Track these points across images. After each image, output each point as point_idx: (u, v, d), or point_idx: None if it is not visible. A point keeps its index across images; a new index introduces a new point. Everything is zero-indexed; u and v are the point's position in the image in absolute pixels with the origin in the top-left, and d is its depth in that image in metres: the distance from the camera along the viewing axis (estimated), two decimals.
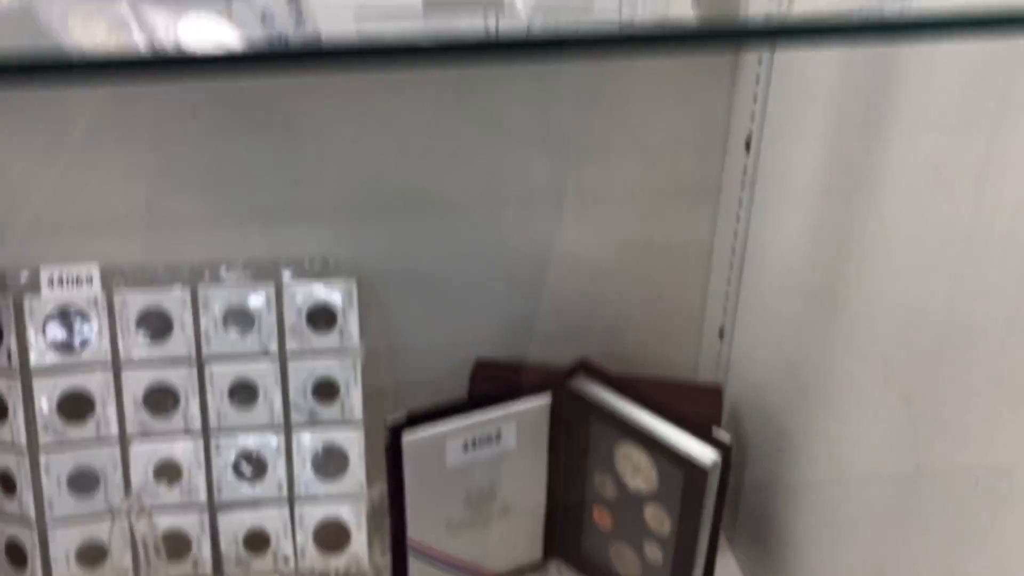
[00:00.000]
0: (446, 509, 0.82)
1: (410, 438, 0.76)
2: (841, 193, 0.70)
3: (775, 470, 0.84)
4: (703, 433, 0.75)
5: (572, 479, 0.85)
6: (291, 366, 0.83)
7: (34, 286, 0.79)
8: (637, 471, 0.80)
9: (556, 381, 0.81)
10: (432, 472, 0.79)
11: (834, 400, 0.73)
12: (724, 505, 0.77)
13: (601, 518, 0.85)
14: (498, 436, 0.80)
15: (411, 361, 0.92)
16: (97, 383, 0.80)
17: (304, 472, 0.84)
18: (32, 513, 0.81)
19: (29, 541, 0.82)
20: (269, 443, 0.84)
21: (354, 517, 0.85)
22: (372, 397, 0.85)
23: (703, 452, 0.74)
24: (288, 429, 0.84)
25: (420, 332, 0.91)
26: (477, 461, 0.80)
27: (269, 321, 0.82)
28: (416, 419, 0.77)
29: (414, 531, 0.81)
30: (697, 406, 0.87)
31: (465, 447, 0.79)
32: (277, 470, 0.84)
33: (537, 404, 0.81)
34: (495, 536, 0.86)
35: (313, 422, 0.84)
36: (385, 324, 0.90)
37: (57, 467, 0.81)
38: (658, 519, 0.80)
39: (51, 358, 0.79)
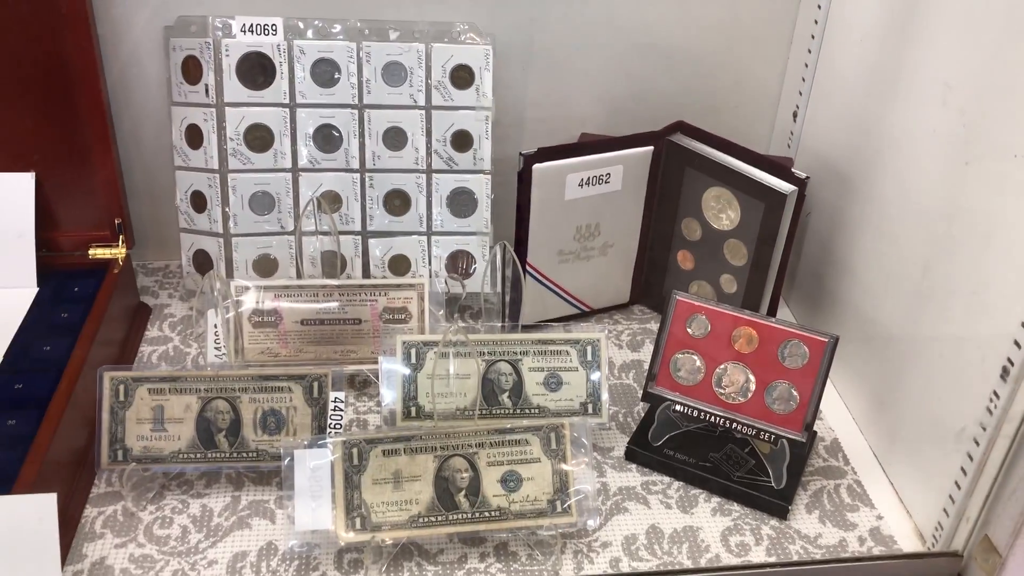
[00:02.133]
0: (559, 239, 0.99)
1: (539, 167, 0.93)
2: None
3: (828, 241, 0.99)
4: (782, 173, 0.91)
5: (662, 225, 1.02)
6: (434, 116, 0.99)
7: (228, 32, 0.94)
8: (723, 210, 0.96)
9: (657, 137, 0.97)
10: (552, 202, 0.95)
11: (889, 179, 0.87)
12: (795, 236, 0.93)
13: (684, 259, 1.02)
14: (608, 178, 0.96)
15: (523, 128, 1.07)
16: (276, 119, 0.97)
17: (441, 209, 1.01)
18: (219, 227, 0.99)
19: (216, 251, 1.00)
20: (413, 182, 1.00)
21: (479, 248, 1.02)
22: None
23: (782, 185, 0.90)
24: (429, 171, 1.00)
25: (533, 102, 1.07)
26: (589, 197, 0.97)
27: (419, 76, 0.97)
28: (544, 154, 0.93)
29: (532, 257, 0.98)
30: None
31: (581, 183, 0.95)
32: (418, 206, 1.01)
33: (641, 151, 0.97)
34: (594, 271, 1.03)
35: (450, 167, 1.00)
36: (507, 90, 1.05)
37: (241, 188, 0.98)
38: (737, 251, 0.96)
39: (240, 95, 0.96)
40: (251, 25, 0.95)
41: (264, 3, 0.97)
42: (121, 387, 0.81)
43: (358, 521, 0.75)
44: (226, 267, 1.00)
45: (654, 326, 1.05)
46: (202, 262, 1.01)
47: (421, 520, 0.76)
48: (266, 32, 0.95)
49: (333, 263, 0.99)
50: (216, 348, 0.91)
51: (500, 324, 0.98)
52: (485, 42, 0.97)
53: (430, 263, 1.02)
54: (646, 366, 0.99)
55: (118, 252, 1.00)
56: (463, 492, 0.77)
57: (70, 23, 0.90)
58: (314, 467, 0.76)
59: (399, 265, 1.02)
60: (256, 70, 0.95)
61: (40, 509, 0.69)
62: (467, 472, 0.77)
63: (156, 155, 1.05)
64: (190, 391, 0.82)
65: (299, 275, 1.00)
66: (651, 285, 1.06)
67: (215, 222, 0.99)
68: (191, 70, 0.96)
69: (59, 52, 0.92)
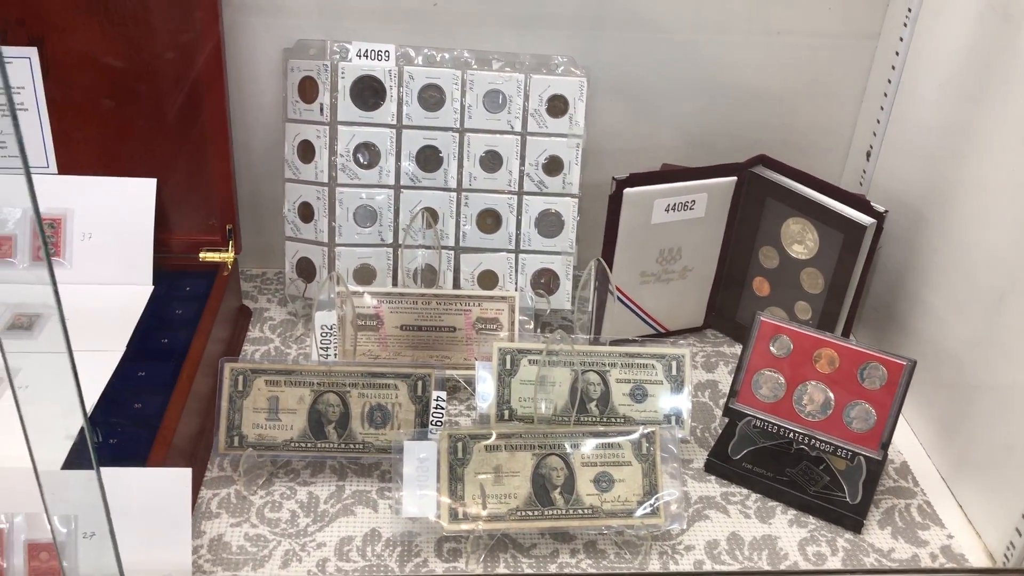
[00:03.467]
0: (643, 261, 1.04)
1: (630, 191, 0.98)
2: (1000, 38, 0.89)
3: (899, 272, 1.04)
4: (862, 206, 0.96)
5: (740, 252, 1.07)
6: (529, 142, 1.05)
7: (344, 56, 1.02)
8: (801, 240, 1.01)
9: (740, 168, 1.03)
10: (639, 225, 1.01)
11: (965, 216, 0.92)
12: (871, 267, 0.98)
13: (760, 286, 1.07)
14: (692, 204, 1.02)
15: (606, 156, 1.14)
16: (383, 138, 1.04)
17: (529, 229, 1.07)
18: (325, 237, 1.06)
19: (319, 259, 1.07)
20: (505, 203, 1.06)
21: (563, 268, 1.08)
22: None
23: (862, 217, 0.95)
24: (520, 193, 1.06)
25: (616, 132, 1.13)
26: (673, 222, 1.02)
27: (517, 104, 1.04)
28: (635, 179, 0.99)
29: (615, 276, 1.04)
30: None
31: (667, 208, 1.01)
32: (509, 225, 1.07)
33: (725, 181, 1.02)
34: (672, 294, 1.08)
35: (540, 190, 1.06)
36: (593, 119, 1.11)
37: (347, 202, 1.04)
38: (813, 279, 1.01)
39: (352, 114, 1.03)
40: (366, 51, 1.02)
41: (378, 31, 1.04)
42: (240, 378, 0.87)
43: (460, 512, 0.80)
44: (328, 275, 1.06)
45: (727, 349, 1.10)
46: (305, 269, 1.08)
47: (519, 514, 0.81)
48: (379, 58, 1.02)
49: (431, 274, 1.05)
50: (321, 348, 0.97)
51: (590, 337, 1.03)
52: (580, 74, 1.04)
53: (516, 279, 1.08)
54: (720, 386, 1.04)
55: (227, 256, 1.07)
56: (559, 489, 0.82)
57: (202, 42, 0.98)
58: (422, 458, 0.81)
59: (487, 280, 1.08)
60: (368, 92, 1.02)
61: (176, 482, 0.75)
62: (563, 471, 0.82)
63: (263, 168, 1.12)
64: (304, 384, 0.88)
65: (395, 284, 1.06)
66: (725, 310, 1.11)
67: (320, 232, 1.05)
68: (307, 90, 1.03)
69: (189, 68, 1.00)
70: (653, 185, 1.00)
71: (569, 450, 0.83)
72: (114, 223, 1.03)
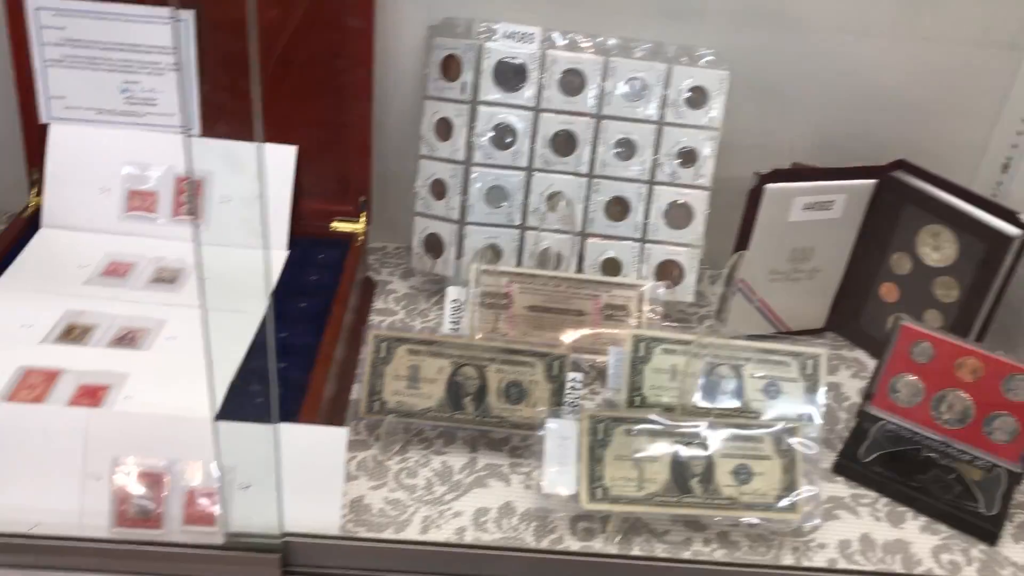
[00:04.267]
0: (774, 258, 1.04)
1: (771, 187, 0.98)
2: None
3: None
4: (1006, 215, 0.95)
5: (871, 256, 1.06)
6: (665, 132, 1.05)
7: (490, 36, 1.03)
8: (938, 247, 1.00)
9: (880, 171, 1.02)
10: (776, 222, 1.01)
11: None
12: (1011, 279, 0.97)
13: (888, 292, 1.06)
14: (830, 205, 1.02)
15: (734, 151, 1.13)
16: (522, 121, 1.04)
17: (657, 220, 1.07)
18: (455, 215, 1.07)
19: (448, 236, 1.08)
20: (636, 191, 1.07)
21: (689, 260, 1.08)
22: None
23: (1009, 228, 0.94)
24: (652, 183, 1.07)
25: (745, 127, 1.12)
26: (809, 222, 1.02)
27: (657, 94, 1.04)
28: (777, 175, 0.99)
29: (745, 272, 1.04)
30: None
31: (805, 207, 1.01)
32: (637, 214, 1.07)
33: (865, 183, 1.02)
34: (798, 294, 1.08)
35: (672, 181, 1.06)
36: (726, 113, 1.11)
37: (481, 181, 1.06)
38: (947, 288, 1.00)
39: (493, 95, 1.04)
40: (512, 32, 1.03)
41: (524, 13, 1.05)
42: (384, 345, 0.89)
43: (599, 492, 0.81)
44: (456, 252, 1.08)
45: (848, 353, 1.09)
46: (433, 245, 1.09)
47: (657, 499, 0.81)
48: (524, 40, 1.03)
49: (556, 258, 1.06)
50: (451, 322, 0.99)
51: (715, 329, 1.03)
52: (723, 67, 1.04)
53: (640, 268, 1.08)
54: (842, 389, 1.04)
55: (359, 227, 1.09)
56: (697, 478, 0.82)
57: (355, 14, 1.00)
58: (564, 437, 0.82)
59: (610, 267, 1.09)
60: (510, 74, 1.03)
61: (333, 441, 0.76)
62: (702, 461, 0.83)
63: (393, 143, 1.13)
64: (444, 355, 0.89)
65: (519, 265, 1.07)
66: (848, 313, 1.10)
67: (452, 210, 1.07)
68: (450, 68, 1.04)
69: (340, 40, 1.01)
70: (794, 182, 0.99)
71: (708, 440, 0.83)
72: (253, 187, 1.05)
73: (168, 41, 1.01)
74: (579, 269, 1.08)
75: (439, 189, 1.07)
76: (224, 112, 1.05)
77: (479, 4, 1.05)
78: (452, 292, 0.99)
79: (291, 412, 0.84)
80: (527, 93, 1.04)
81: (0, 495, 0.74)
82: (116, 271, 0.99)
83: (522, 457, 0.90)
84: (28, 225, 1.04)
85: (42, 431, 0.75)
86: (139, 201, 1.04)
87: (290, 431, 0.77)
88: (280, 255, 1.04)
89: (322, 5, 1.00)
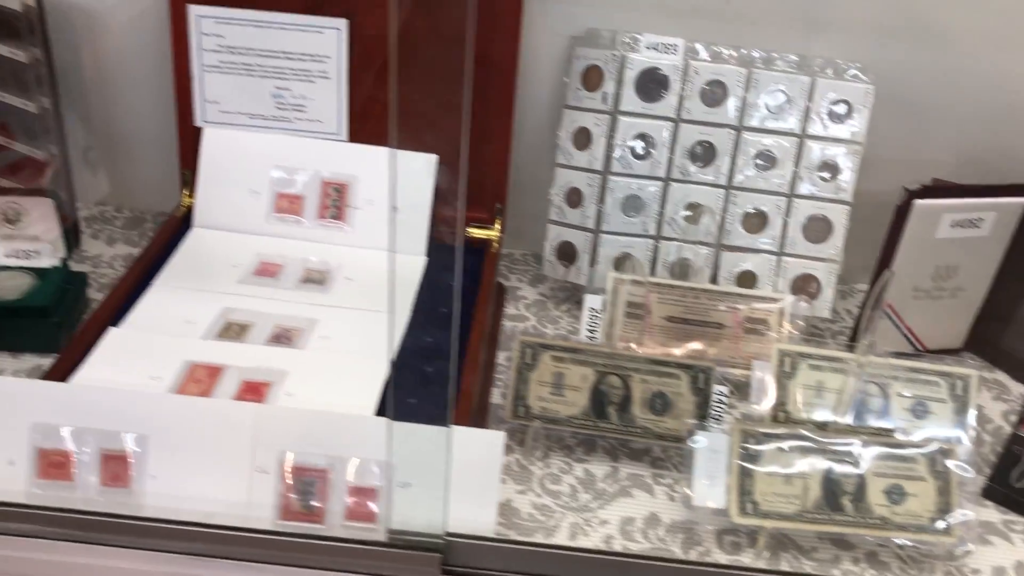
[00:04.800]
0: (918, 276, 1.02)
1: (920, 203, 0.97)
2: None
3: None
4: None
5: (1016, 277, 1.03)
6: (807, 145, 1.04)
7: (634, 47, 1.03)
8: None
9: None
10: (922, 239, 0.99)
11: None
12: None
13: None
14: (979, 222, 0.99)
15: (872, 164, 1.12)
16: (661, 131, 1.05)
17: (795, 233, 1.07)
18: (591, 224, 1.08)
19: (582, 244, 1.09)
20: (774, 204, 1.06)
21: (826, 275, 1.07)
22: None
23: None
24: (791, 195, 1.06)
25: (883, 140, 1.10)
26: (956, 239, 1.00)
27: (799, 106, 1.04)
28: (927, 191, 0.97)
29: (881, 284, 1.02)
30: None
31: (953, 224, 0.99)
32: (775, 227, 1.07)
33: (1016, 202, 0.99)
34: (939, 313, 1.06)
35: (812, 194, 1.06)
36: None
37: (618, 191, 1.06)
38: None
39: (634, 105, 1.04)
40: (655, 43, 1.03)
41: (667, 24, 1.05)
42: (529, 351, 0.90)
43: (749, 506, 0.81)
44: (590, 260, 1.08)
45: (988, 374, 1.07)
46: (566, 252, 1.10)
47: (807, 515, 0.81)
48: (667, 51, 1.03)
49: (689, 269, 1.06)
50: (588, 330, 1.00)
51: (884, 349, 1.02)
52: (868, 81, 1.03)
53: (776, 281, 1.08)
54: (985, 411, 1.01)
55: (493, 234, 1.11)
56: (849, 496, 0.81)
57: (503, 25, 1.02)
58: (714, 450, 0.82)
59: (746, 280, 1.08)
60: (652, 84, 1.04)
61: (490, 444, 0.78)
62: (854, 478, 0.82)
63: (526, 151, 1.15)
64: (589, 364, 0.90)
65: (652, 274, 1.07)
66: (987, 335, 1.08)
67: (587, 218, 1.08)
68: (592, 78, 1.05)
69: (486, 49, 1.03)
70: (943, 199, 0.98)
71: (860, 459, 0.82)
72: (395, 193, 1.08)
73: (320, 49, 1.04)
74: (714, 280, 1.08)
75: (575, 198, 1.08)
76: (370, 119, 1.08)
77: (622, 16, 1.06)
78: (590, 300, 1.00)
79: (440, 415, 0.86)
80: (668, 104, 1.04)
81: (172, 484, 0.77)
82: (267, 271, 1.02)
83: (664, 468, 0.90)
84: (181, 224, 1.08)
85: (213, 424, 0.78)
86: (286, 203, 1.08)
87: (451, 433, 0.78)
88: (419, 260, 1.06)
89: (470, 16, 1.02)
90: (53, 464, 0.78)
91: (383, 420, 0.75)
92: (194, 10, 1.03)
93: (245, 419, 0.78)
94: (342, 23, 1.03)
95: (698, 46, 1.04)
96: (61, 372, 0.85)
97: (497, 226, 1.10)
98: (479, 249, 1.10)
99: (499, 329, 1.09)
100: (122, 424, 0.78)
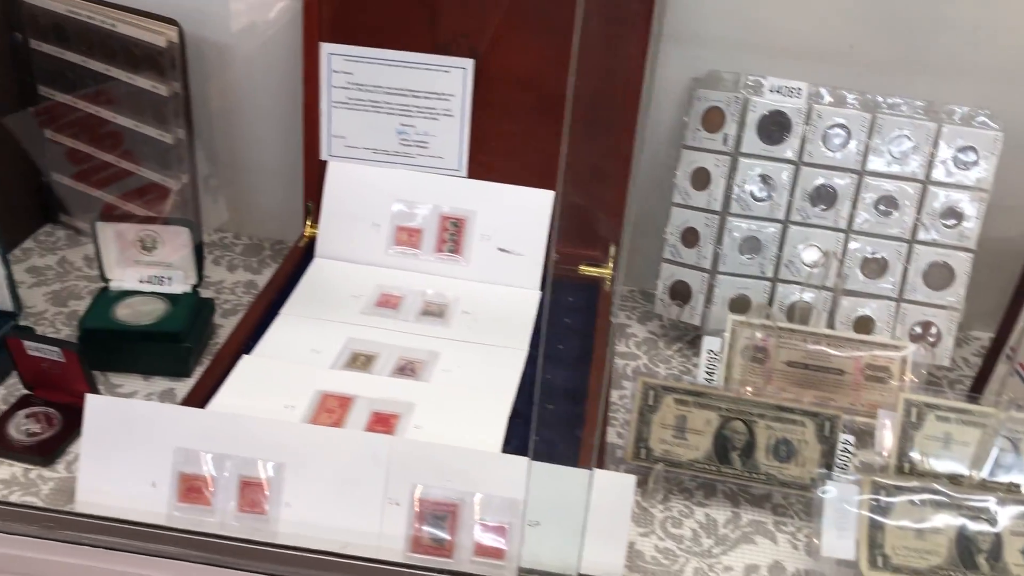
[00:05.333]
0: None
1: None
2: None
3: None
4: None
5: None
6: (930, 191, 1.03)
7: (757, 90, 1.04)
8: None
9: None
10: None
11: None
12: None
13: None
14: None
15: (1001, 213, 1.10)
16: (781, 174, 1.05)
17: (915, 279, 1.05)
18: (707, 264, 1.08)
19: (696, 284, 1.09)
20: (895, 249, 1.05)
21: (947, 323, 1.05)
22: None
23: None
24: (912, 241, 1.04)
25: (1017, 189, 1.08)
26: None
27: (924, 152, 1.02)
28: None
29: (1015, 340, 1.00)
30: None
31: None
32: (895, 272, 1.05)
33: None
34: None
35: (934, 241, 1.04)
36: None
37: (736, 232, 1.06)
38: None
39: (755, 147, 1.04)
40: (779, 86, 1.03)
41: (790, 67, 1.05)
42: (652, 393, 0.90)
43: (880, 560, 0.80)
44: (705, 301, 1.08)
45: None
46: (680, 292, 1.10)
47: (940, 572, 0.79)
48: (791, 94, 1.03)
49: (807, 312, 1.05)
50: (706, 373, 0.99)
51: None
52: (997, 128, 1.01)
53: (895, 328, 1.06)
54: None
55: (606, 272, 1.11)
56: (984, 555, 0.79)
57: (626, 66, 1.03)
58: (843, 501, 0.81)
59: (863, 325, 1.07)
60: (774, 127, 1.04)
61: (621, 487, 0.78)
62: (989, 536, 0.80)
63: (640, 188, 1.15)
64: (712, 407, 0.90)
65: (769, 317, 1.07)
66: None
67: (703, 258, 1.08)
68: (712, 119, 1.05)
69: (609, 90, 1.04)
70: None
71: (997, 516, 0.81)
72: (512, 228, 1.09)
73: (446, 88, 1.06)
74: (831, 325, 1.07)
75: (691, 237, 1.09)
76: (489, 155, 1.10)
77: (745, 58, 1.07)
78: (708, 342, 1.00)
79: (566, 453, 0.86)
80: (790, 146, 1.04)
81: (306, 512, 0.79)
82: (388, 303, 1.04)
83: (786, 515, 0.89)
84: (304, 254, 1.11)
85: (348, 455, 0.80)
86: (405, 236, 1.10)
87: (577, 475, 0.79)
88: (534, 295, 1.07)
89: (596, 56, 1.03)
90: (193, 488, 0.80)
91: (521, 459, 0.76)
92: (326, 48, 1.06)
93: (380, 451, 0.79)
94: (468, 63, 1.05)
95: (822, 90, 1.04)
96: (199, 398, 0.88)
97: (610, 264, 1.11)
98: (591, 286, 1.11)
99: (612, 367, 1.09)
100: (260, 451, 0.80)
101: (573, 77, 0.67)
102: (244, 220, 1.26)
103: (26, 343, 0.90)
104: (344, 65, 1.07)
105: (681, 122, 1.09)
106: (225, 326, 1.08)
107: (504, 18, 1.04)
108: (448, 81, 1.07)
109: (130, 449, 0.81)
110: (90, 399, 0.81)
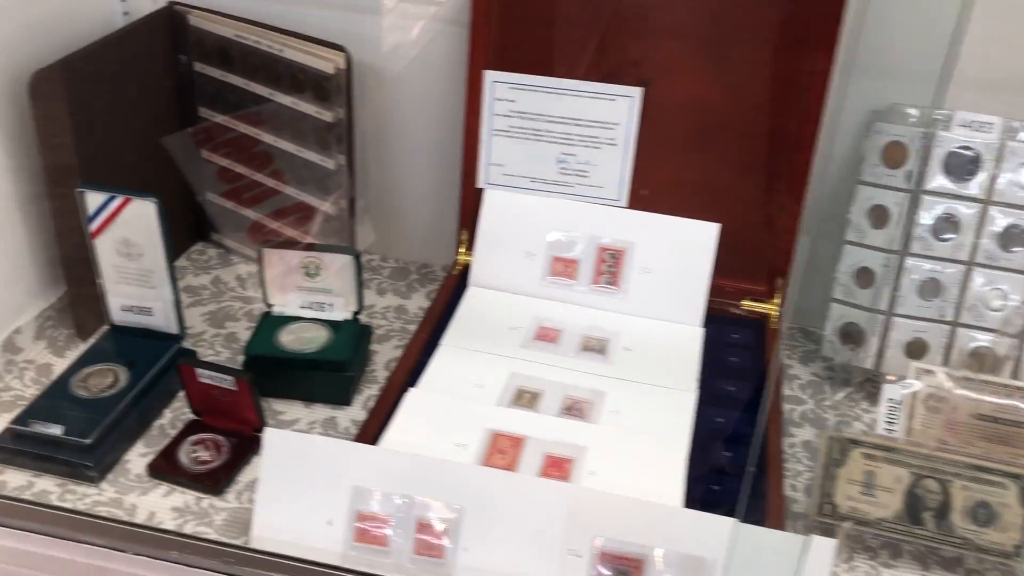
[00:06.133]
0: None
1: None
2: None
3: None
4: None
5: None
6: None
7: (945, 125, 0.98)
8: None
9: None
10: None
11: None
12: None
13: None
14: None
15: None
16: (968, 212, 0.99)
17: None
18: (882, 305, 1.02)
19: (870, 326, 1.04)
20: None
21: None
22: None
23: None
24: None
25: None
26: None
27: None
28: None
29: None
30: None
31: None
32: None
33: None
34: None
35: None
36: None
37: (916, 273, 1.01)
38: None
39: (940, 184, 0.99)
40: (969, 121, 0.98)
41: (978, 101, 0.99)
42: (836, 446, 0.86)
43: None
44: (879, 345, 1.03)
45: None
46: (851, 334, 1.05)
47: None
48: (982, 130, 0.97)
49: (993, 360, 0.99)
50: (888, 423, 0.94)
51: None
52: None
53: None
54: None
55: (772, 309, 1.07)
56: None
57: (806, 98, 0.98)
58: None
59: None
60: (962, 164, 0.98)
61: (820, 551, 0.74)
62: None
63: (807, 225, 1.10)
64: (903, 464, 0.85)
65: (946, 363, 1.01)
66: None
67: (879, 299, 1.02)
68: (894, 155, 1.00)
69: (785, 121, 1.00)
70: None
71: None
72: (673, 261, 1.06)
73: (611, 116, 1.04)
74: (1015, 375, 1.01)
75: (866, 277, 1.03)
76: (651, 186, 1.07)
77: (929, 91, 1.01)
78: (889, 391, 0.94)
79: (748, 507, 0.82)
80: (977, 184, 0.98)
81: (484, 558, 0.77)
82: (547, 336, 1.02)
83: None
84: (458, 283, 1.10)
85: (528, 501, 0.77)
86: (561, 267, 1.07)
87: (770, 536, 0.75)
88: (696, 331, 1.04)
89: (774, 86, 0.99)
90: (370, 528, 0.79)
91: (720, 519, 0.73)
92: (490, 76, 1.05)
93: (561, 499, 0.77)
94: (636, 91, 1.02)
95: (1016, 124, 0.97)
96: (371, 433, 0.87)
97: (776, 301, 1.07)
98: (754, 322, 1.07)
99: (780, 411, 1.04)
100: (439, 494, 0.78)
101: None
102: (391, 243, 1.25)
103: (198, 370, 0.90)
104: (507, 93, 1.05)
105: (855, 156, 1.04)
106: (380, 352, 1.07)
107: (677, 45, 1.01)
108: (614, 109, 1.04)
109: (307, 485, 0.80)
110: (269, 433, 0.80)
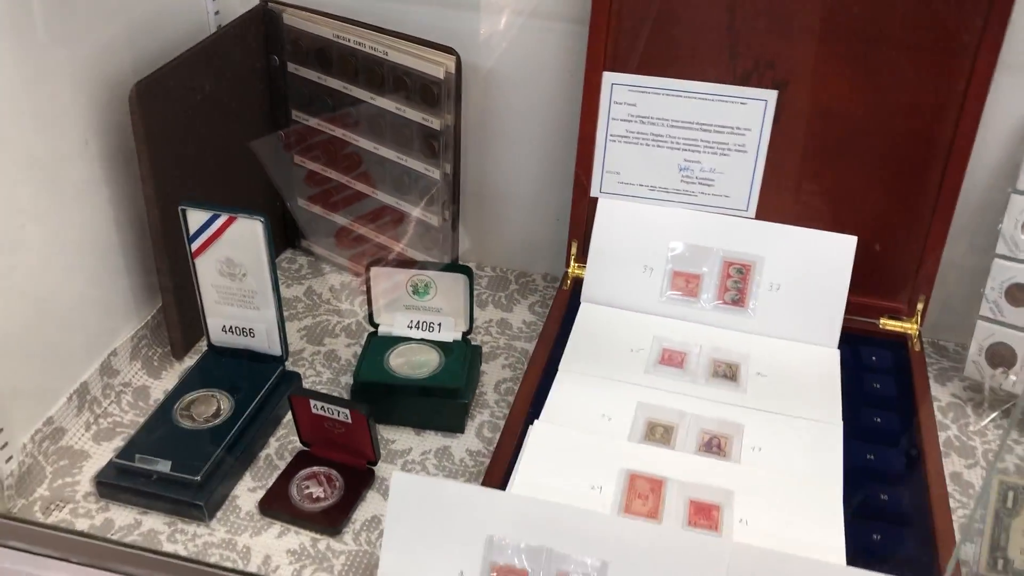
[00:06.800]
0: None
1: None
2: None
3: None
4: None
5: None
6: None
7: None
8: None
9: None
10: None
11: None
12: None
13: None
14: None
15: None
16: None
17: None
18: None
19: (1020, 349, 0.95)
20: None
21: None
22: None
23: None
24: None
25: None
26: None
27: None
28: None
29: None
30: None
31: None
32: None
33: None
34: None
35: None
36: None
37: None
38: None
39: None
40: None
41: None
42: (1011, 493, 0.78)
43: None
44: None
45: None
46: (999, 355, 0.97)
47: None
48: None
49: None
50: None
51: None
52: None
53: None
54: None
55: (911, 328, 0.99)
56: None
57: (957, 105, 0.90)
58: None
59: None
60: None
61: None
62: None
63: (955, 234, 1.01)
64: None
65: None
66: None
67: None
68: None
69: (934, 130, 0.92)
70: None
71: None
72: (805, 277, 0.98)
73: (742, 121, 0.96)
74: None
75: (1017, 295, 0.95)
76: (782, 196, 0.99)
77: None
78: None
79: (913, 562, 0.76)
80: None
81: None
82: (671, 360, 0.95)
83: None
84: (569, 298, 1.03)
85: (681, 558, 0.71)
86: (682, 283, 1.00)
87: None
88: (833, 355, 0.96)
89: (922, 92, 0.90)
90: None
91: None
92: (609, 78, 0.97)
93: (717, 556, 0.70)
94: (771, 95, 0.94)
95: None
96: (497, 473, 0.82)
97: (916, 319, 0.99)
98: (892, 342, 0.99)
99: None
100: (579, 546, 0.72)
101: None
102: (487, 250, 1.19)
103: (312, 402, 0.85)
104: (627, 96, 0.98)
105: (1006, 163, 0.95)
106: (488, 372, 1.01)
107: (816, 46, 0.92)
108: (745, 114, 0.96)
109: (437, 533, 0.74)
110: (396, 477, 0.75)
